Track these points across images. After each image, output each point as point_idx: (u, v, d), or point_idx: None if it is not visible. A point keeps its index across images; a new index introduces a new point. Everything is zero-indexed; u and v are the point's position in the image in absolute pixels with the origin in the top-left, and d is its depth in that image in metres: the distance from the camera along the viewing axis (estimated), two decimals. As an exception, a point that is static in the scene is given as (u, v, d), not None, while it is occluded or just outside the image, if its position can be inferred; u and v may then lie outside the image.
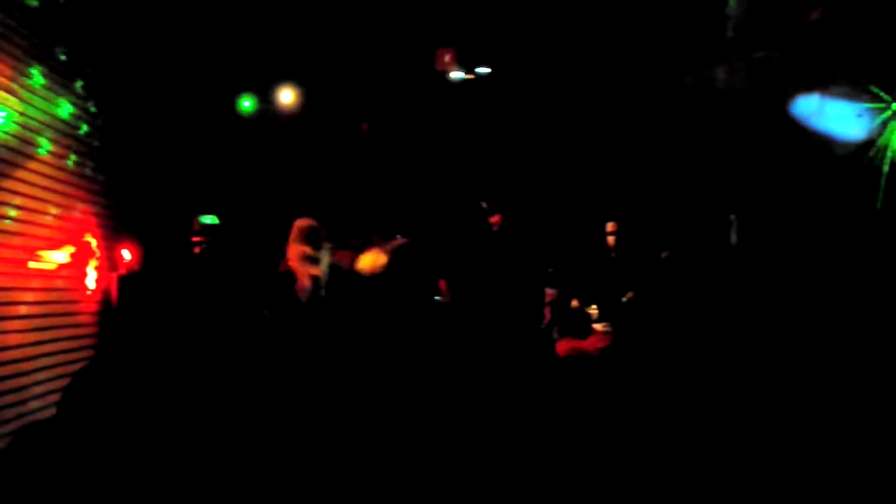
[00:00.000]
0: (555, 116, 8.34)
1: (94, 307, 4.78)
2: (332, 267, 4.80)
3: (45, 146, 4.21)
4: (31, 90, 4.07)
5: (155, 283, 3.16)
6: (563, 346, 5.33)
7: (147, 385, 2.98)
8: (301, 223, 4.96)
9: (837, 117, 5.07)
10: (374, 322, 4.53)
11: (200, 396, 3.08)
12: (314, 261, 4.85)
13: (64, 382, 4.16)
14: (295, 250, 4.88)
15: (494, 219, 6.65)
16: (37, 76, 4.14)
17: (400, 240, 5.01)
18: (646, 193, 6.94)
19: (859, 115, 4.92)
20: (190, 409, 3.03)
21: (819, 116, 5.20)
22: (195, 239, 7.20)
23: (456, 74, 8.68)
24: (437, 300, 5.61)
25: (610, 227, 5.78)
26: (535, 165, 8.34)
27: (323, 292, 4.73)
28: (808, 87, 5.32)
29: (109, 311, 4.79)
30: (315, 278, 4.78)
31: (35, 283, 4.07)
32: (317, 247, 4.90)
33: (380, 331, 4.48)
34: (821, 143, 5.25)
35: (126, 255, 5.23)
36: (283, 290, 4.82)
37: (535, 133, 8.44)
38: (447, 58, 8.64)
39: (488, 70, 8.74)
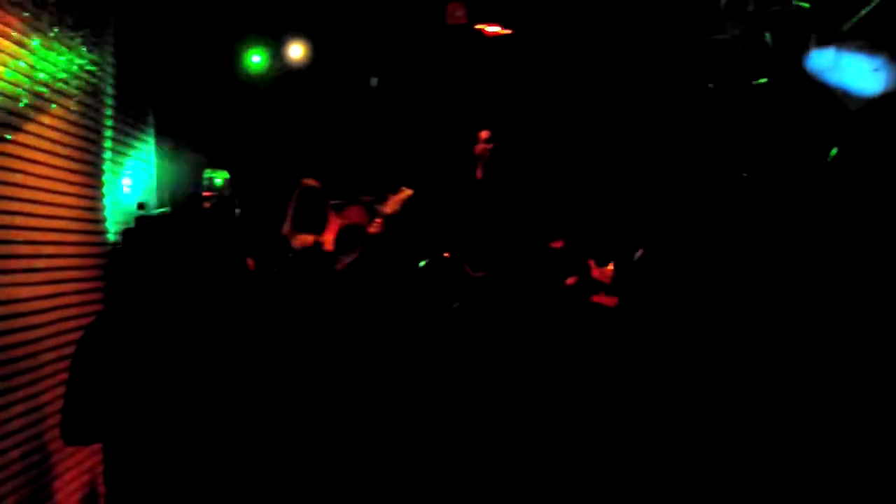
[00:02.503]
0: (570, 72, 8.28)
1: (106, 259, 4.80)
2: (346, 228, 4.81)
3: (57, 99, 4.20)
4: (44, 43, 4.05)
5: (166, 236, 3.15)
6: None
7: (159, 340, 2.99)
8: (303, 184, 4.94)
9: (853, 72, 5.01)
10: (382, 286, 4.53)
11: (210, 351, 3.10)
12: (308, 225, 4.84)
13: (77, 332, 4.21)
14: (290, 213, 4.86)
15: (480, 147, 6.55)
16: (48, 28, 4.11)
17: (406, 191, 4.97)
18: (664, 155, 6.90)
19: (876, 70, 4.85)
20: (200, 364, 3.06)
21: (834, 71, 5.13)
22: (205, 194, 7.21)
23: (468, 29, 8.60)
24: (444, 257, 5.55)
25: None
26: (547, 121, 8.30)
27: (319, 255, 4.73)
28: (824, 41, 5.25)
29: (121, 263, 4.81)
30: (309, 243, 4.78)
31: (50, 237, 4.09)
32: (312, 210, 4.88)
33: (388, 294, 4.48)
34: (836, 100, 5.19)
35: (140, 208, 5.24)
36: (285, 250, 4.84)
37: (549, 89, 8.38)
38: (458, 12, 8.54)
39: (500, 26, 8.65)
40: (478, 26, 8.49)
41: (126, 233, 4.87)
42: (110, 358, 2.93)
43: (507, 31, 8.52)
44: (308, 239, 4.76)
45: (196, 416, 3.01)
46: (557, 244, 5.60)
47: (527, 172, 6.67)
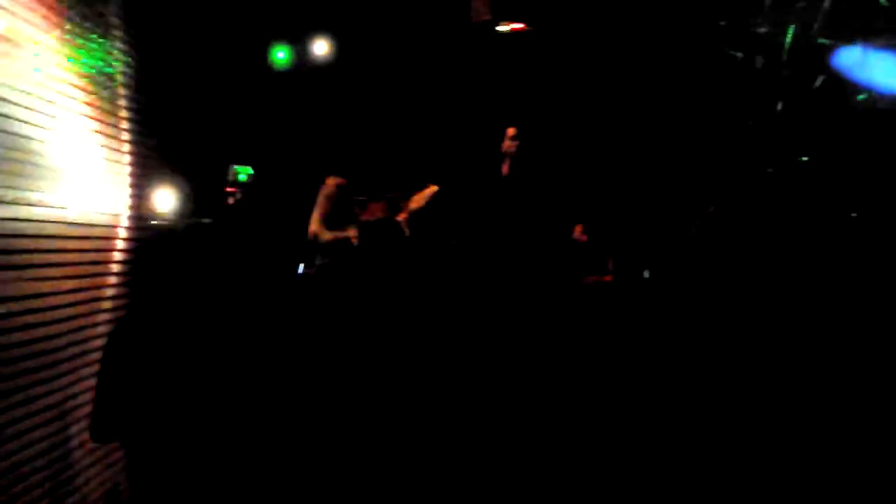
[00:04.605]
0: (598, 67, 8.23)
1: (130, 254, 4.81)
2: (365, 223, 4.82)
3: (86, 93, 4.21)
4: (77, 37, 4.05)
5: (190, 233, 3.16)
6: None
7: (187, 340, 2.99)
8: (328, 183, 4.94)
9: (881, 69, 4.94)
10: (405, 277, 4.54)
11: (234, 349, 3.10)
12: (336, 222, 4.84)
13: (99, 328, 4.22)
14: (317, 211, 4.87)
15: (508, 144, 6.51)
16: (81, 21, 4.12)
17: (432, 187, 4.98)
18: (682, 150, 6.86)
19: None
20: (224, 362, 3.05)
21: (862, 68, 5.06)
22: (229, 189, 7.23)
23: (493, 27, 8.57)
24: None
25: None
26: (573, 117, 8.26)
27: (346, 252, 4.74)
28: (851, 38, 5.18)
29: (145, 259, 4.81)
30: (335, 240, 4.79)
31: (74, 231, 4.09)
32: (340, 208, 4.89)
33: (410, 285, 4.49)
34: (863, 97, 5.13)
35: (168, 203, 5.24)
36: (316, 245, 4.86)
37: (576, 84, 8.34)
38: (482, 9, 8.52)
39: (525, 24, 8.62)
40: (499, 27, 8.46)
41: (154, 234, 4.90)
42: (139, 357, 2.93)
43: (525, 27, 8.49)
44: (338, 235, 4.78)
45: (224, 414, 3.01)
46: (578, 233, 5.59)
47: (553, 169, 6.63)
